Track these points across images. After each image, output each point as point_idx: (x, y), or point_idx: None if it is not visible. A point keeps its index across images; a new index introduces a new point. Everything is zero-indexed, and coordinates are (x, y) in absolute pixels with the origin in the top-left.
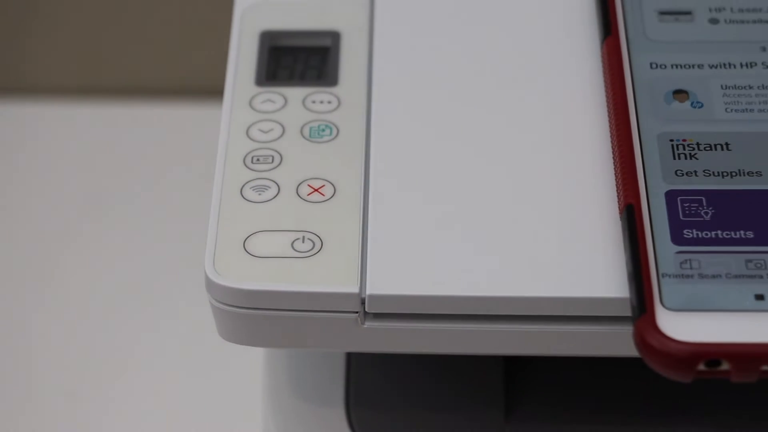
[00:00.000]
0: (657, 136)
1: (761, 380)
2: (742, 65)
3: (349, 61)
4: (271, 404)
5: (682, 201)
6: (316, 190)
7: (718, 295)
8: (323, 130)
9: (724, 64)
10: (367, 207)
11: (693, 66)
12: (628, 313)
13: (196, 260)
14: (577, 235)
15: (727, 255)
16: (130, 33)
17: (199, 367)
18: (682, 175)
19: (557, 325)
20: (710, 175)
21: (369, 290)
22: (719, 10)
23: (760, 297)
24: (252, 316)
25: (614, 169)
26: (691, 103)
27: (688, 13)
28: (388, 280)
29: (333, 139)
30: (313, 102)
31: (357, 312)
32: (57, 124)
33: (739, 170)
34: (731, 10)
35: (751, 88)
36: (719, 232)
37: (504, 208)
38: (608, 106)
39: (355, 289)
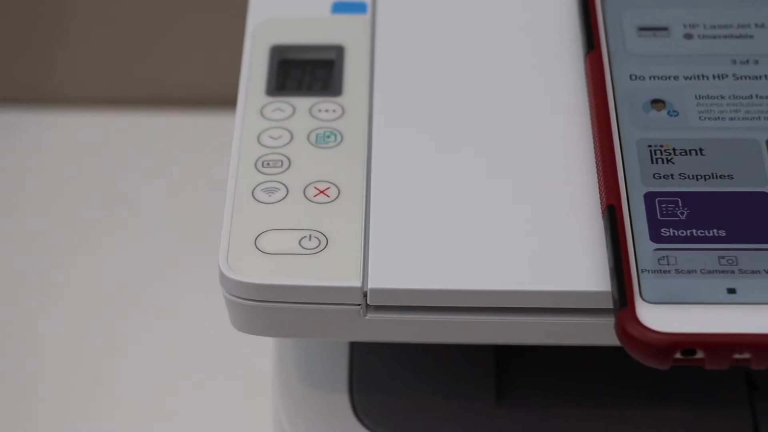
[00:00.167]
0: (636, 142)
1: (733, 367)
2: (714, 77)
3: (352, 73)
4: (281, 390)
5: (660, 202)
6: (321, 191)
7: (693, 289)
8: (328, 137)
9: (698, 76)
10: (369, 207)
11: (669, 77)
12: (611, 305)
13: (208, 259)
14: (565, 233)
15: (701, 252)
16: (150, 48)
17: (211, 362)
18: (660, 178)
19: (546, 316)
20: (686, 178)
21: (371, 284)
22: (693, 26)
23: (731, 291)
24: (263, 308)
25: (597, 172)
26: (668, 112)
27: (665, 29)
28: (389, 275)
29: (337, 144)
30: (319, 111)
31: (360, 304)
32: (77, 132)
33: (713, 173)
34: (704, 26)
35: (722, 98)
36: (694, 230)
37: (498, 209)
38: (591, 115)
39: (358, 283)
